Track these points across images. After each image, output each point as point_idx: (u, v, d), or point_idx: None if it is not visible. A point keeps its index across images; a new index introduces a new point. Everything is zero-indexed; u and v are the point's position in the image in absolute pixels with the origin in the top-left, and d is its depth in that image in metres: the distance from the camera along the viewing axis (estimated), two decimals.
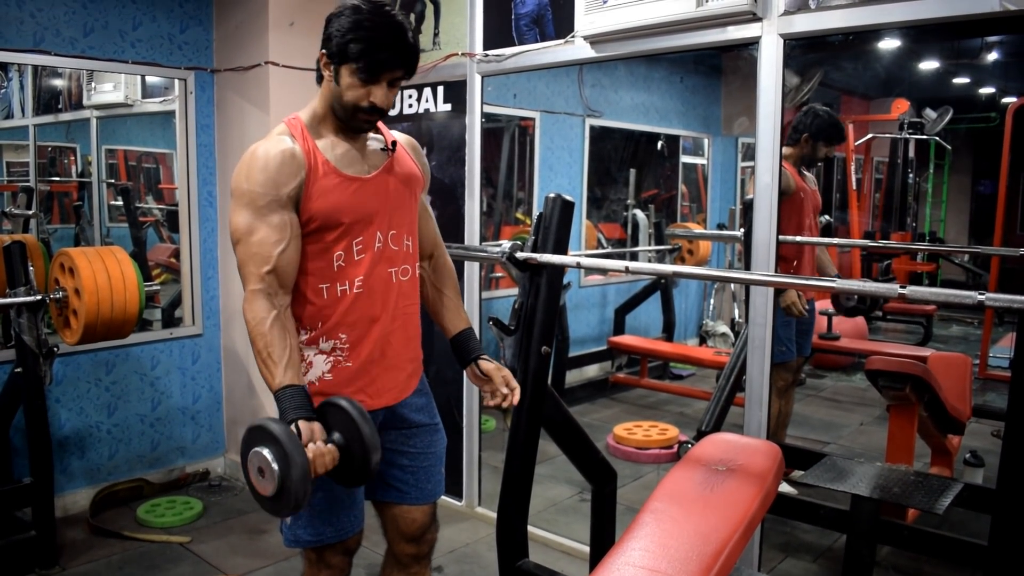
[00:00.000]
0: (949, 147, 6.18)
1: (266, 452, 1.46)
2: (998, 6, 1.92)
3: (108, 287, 2.74)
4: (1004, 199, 4.44)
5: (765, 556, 2.67)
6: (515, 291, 2.22)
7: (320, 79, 1.70)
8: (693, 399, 4.76)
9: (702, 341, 5.70)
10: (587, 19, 2.66)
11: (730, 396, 2.73)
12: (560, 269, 2.18)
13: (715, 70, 5.89)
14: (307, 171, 1.64)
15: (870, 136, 5.89)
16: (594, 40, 2.73)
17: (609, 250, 5.61)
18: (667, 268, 2.27)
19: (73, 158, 3.56)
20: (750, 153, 4.59)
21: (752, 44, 2.38)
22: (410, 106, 3.43)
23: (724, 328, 5.50)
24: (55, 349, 2.81)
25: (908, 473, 2.44)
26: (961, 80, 5.93)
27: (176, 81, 3.54)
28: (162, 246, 3.84)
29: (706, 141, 6.19)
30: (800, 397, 4.78)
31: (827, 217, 4.33)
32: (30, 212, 3.33)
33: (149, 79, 3.55)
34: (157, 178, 3.87)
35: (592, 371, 5.25)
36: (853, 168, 5.52)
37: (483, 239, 3.34)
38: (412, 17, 3.35)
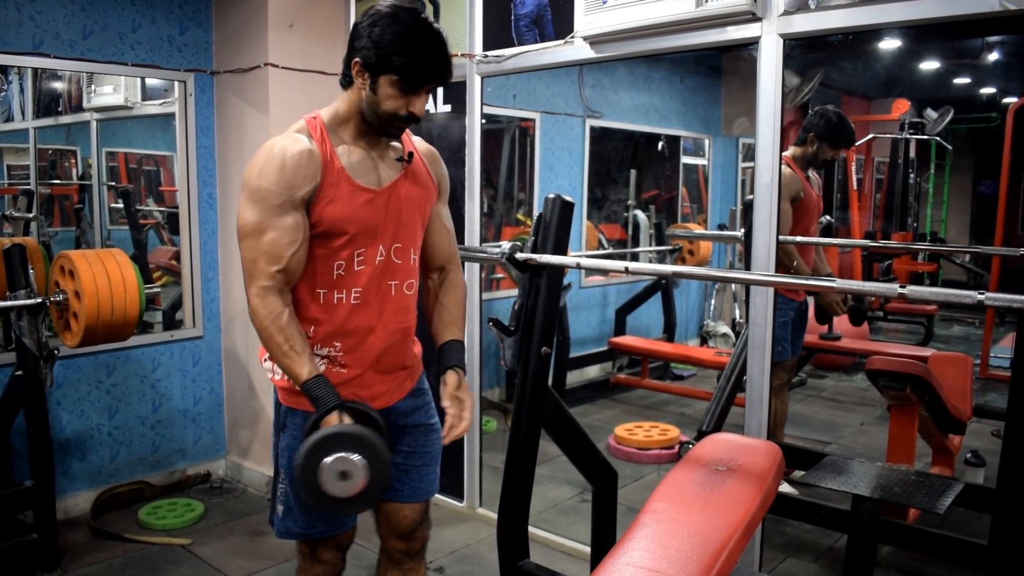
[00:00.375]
0: (950, 147, 6.17)
1: (353, 456, 1.49)
2: (998, 6, 1.92)
3: (108, 290, 2.75)
4: (1005, 199, 4.44)
5: (766, 556, 2.67)
6: (516, 292, 2.22)
7: (347, 83, 1.68)
8: (694, 400, 4.75)
9: (703, 342, 5.70)
10: (587, 19, 2.66)
11: (731, 396, 2.73)
12: (560, 270, 2.18)
13: (715, 70, 5.89)
14: (322, 175, 1.63)
15: (871, 136, 5.89)
16: (594, 40, 2.73)
17: (610, 251, 5.61)
18: (667, 268, 2.27)
19: (73, 161, 3.56)
20: (751, 154, 4.59)
21: (752, 44, 2.38)
22: None
23: (725, 328, 5.50)
24: (56, 352, 2.81)
25: (909, 473, 2.44)
26: (962, 80, 5.93)
27: (176, 83, 3.54)
28: (163, 248, 3.85)
29: (707, 141, 6.19)
30: (801, 397, 4.78)
31: (827, 217, 4.34)
32: (30, 215, 3.33)
33: (149, 81, 3.56)
34: (157, 180, 3.87)
35: (593, 372, 5.25)
36: (854, 168, 5.52)
37: (484, 240, 3.34)
38: None
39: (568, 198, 2.15)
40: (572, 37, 2.80)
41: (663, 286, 5.33)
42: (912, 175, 5.85)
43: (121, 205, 3.66)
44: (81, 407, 3.37)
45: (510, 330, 2.18)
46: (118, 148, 3.70)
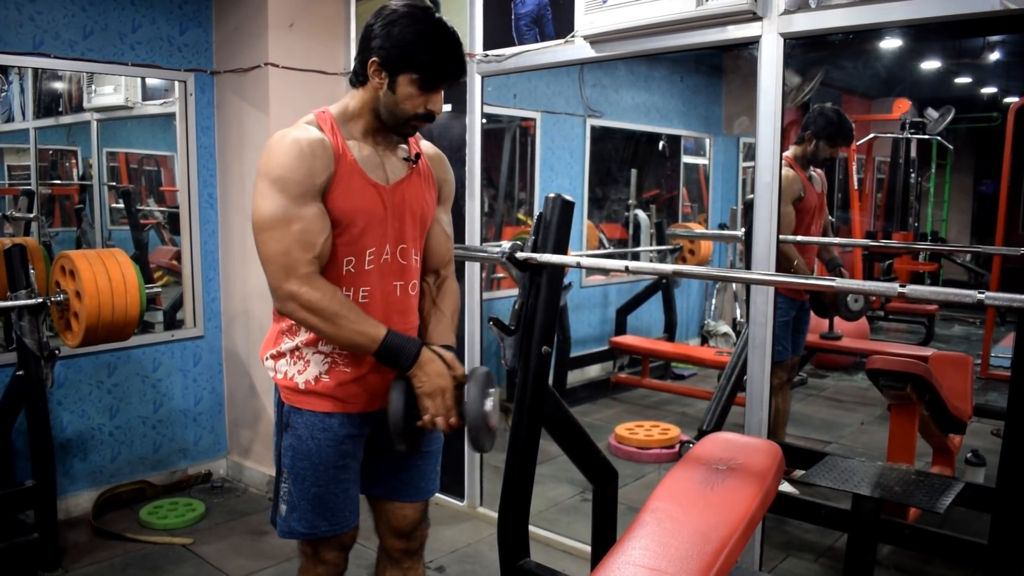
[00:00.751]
0: (951, 147, 6.18)
1: (493, 391, 1.67)
2: (998, 5, 1.91)
3: (109, 290, 2.75)
4: (1006, 199, 4.44)
5: (766, 555, 2.67)
6: (516, 291, 2.23)
7: (360, 82, 1.68)
8: (695, 399, 4.75)
9: (704, 341, 5.70)
10: (587, 19, 2.66)
11: (731, 396, 2.73)
12: (560, 269, 2.18)
13: (716, 70, 5.89)
14: (335, 165, 1.63)
15: (872, 136, 5.89)
16: (594, 40, 2.73)
17: (611, 250, 5.61)
18: (667, 267, 2.27)
19: (74, 161, 3.56)
20: (751, 153, 4.59)
21: (752, 43, 2.38)
22: None
23: (726, 328, 5.50)
24: (56, 352, 2.81)
25: (909, 472, 2.44)
26: (963, 80, 5.94)
27: (176, 83, 3.54)
28: (163, 248, 3.85)
29: (707, 141, 6.19)
30: (802, 397, 4.78)
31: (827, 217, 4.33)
32: (31, 215, 3.34)
33: (149, 81, 3.56)
34: (158, 180, 3.87)
35: (594, 371, 5.26)
36: (855, 168, 5.52)
37: (484, 239, 3.34)
38: None
39: (569, 197, 2.14)
40: (572, 36, 2.80)
41: (664, 286, 5.33)
42: (913, 175, 5.86)
43: (122, 205, 3.66)
44: (82, 407, 3.37)
45: (510, 329, 2.18)
46: (119, 148, 3.70)
